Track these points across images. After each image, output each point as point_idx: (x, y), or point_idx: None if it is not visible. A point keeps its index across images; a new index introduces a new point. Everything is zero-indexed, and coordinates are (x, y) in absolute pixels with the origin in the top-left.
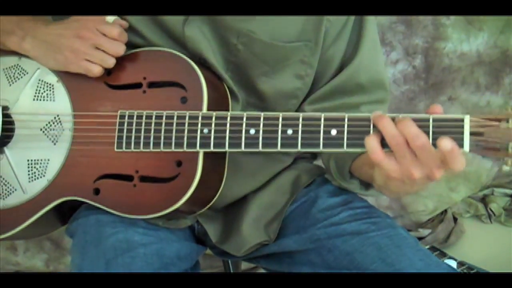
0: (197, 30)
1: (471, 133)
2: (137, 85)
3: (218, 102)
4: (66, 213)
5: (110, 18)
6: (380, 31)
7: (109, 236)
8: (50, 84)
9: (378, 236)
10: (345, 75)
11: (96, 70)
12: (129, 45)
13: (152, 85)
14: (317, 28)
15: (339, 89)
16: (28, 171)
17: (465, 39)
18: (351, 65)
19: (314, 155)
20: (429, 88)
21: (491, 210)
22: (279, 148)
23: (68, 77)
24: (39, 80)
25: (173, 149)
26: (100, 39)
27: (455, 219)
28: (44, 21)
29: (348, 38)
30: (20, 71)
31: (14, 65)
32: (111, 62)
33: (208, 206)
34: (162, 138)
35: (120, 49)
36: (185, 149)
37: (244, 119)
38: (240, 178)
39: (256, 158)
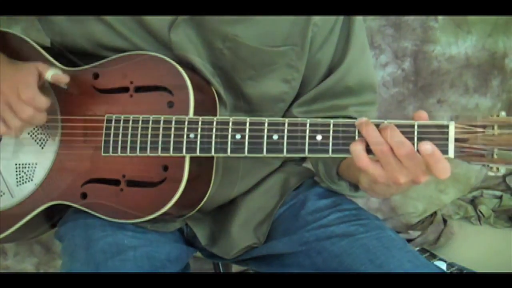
0: (183, 35)
1: (456, 140)
2: (124, 89)
3: (206, 106)
4: (55, 216)
5: (50, 73)
6: (369, 34)
7: (98, 239)
8: None
9: (367, 238)
10: (334, 78)
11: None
12: (116, 49)
13: (139, 89)
14: (304, 33)
15: (328, 92)
16: (16, 175)
17: (453, 42)
18: (340, 68)
19: (303, 158)
20: (418, 90)
21: (480, 211)
22: (264, 153)
23: None
24: None
25: (159, 153)
26: (11, 99)
27: (444, 221)
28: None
29: (336, 43)
30: None
31: None
32: (14, 124)
33: (196, 209)
34: (149, 142)
35: (24, 115)
36: (171, 153)
37: (230, 124)
38: (229, 181)
39: (244, 161)
